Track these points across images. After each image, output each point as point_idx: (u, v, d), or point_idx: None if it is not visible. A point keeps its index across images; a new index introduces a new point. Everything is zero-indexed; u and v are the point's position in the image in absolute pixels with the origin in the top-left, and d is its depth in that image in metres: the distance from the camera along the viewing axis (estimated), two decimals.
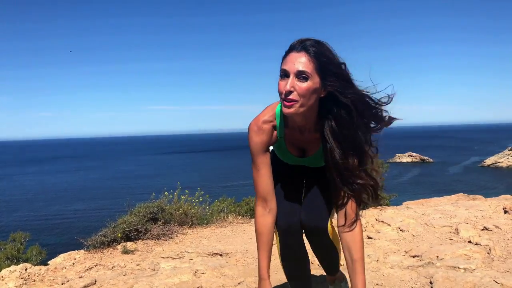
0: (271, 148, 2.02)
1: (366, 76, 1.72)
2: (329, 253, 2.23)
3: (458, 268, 3.08)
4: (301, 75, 1.64)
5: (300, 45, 1.67)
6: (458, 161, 63.45)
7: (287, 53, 1.70)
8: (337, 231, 2.02)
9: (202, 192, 6.53)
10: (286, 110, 1.70)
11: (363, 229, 4.75)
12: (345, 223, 1.89)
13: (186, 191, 6.27)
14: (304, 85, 1.65)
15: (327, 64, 1.66)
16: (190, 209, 5.93)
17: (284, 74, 1.68)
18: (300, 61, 1.64)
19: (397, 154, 64.13)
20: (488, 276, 2.80)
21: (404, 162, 61.12)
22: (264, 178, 1.93)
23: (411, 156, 64.17)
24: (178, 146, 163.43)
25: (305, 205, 2.06)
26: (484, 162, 56.84)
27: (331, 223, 2.10)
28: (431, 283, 2.87)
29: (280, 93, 1.70)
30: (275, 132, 1.94)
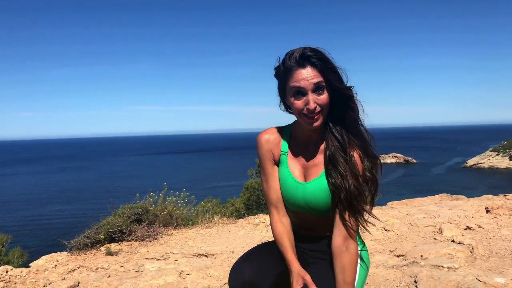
0: None
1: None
2: None
3: (442, 267, 3.11)
4: (318, 90, 1.68)
5: (302, 59, 1.67)
6: (441, 162, 64.41)
7: (290, 71, 1.69)
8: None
9: (187, 193, 6.49)
10: (315, 124, 1.72)
11: None
12: (343, 242, 1.79)
13: (173, 192, 6.23)
14: (324, 96, 1.69)
15: (330, 71, 1.68)
16: (175, 210, 5.88)
17: (299, 92, 1.69)
18: (312, 76, 1.66)
19: (381, 155, 64.60)
20: (471, 274, 2.84)
21: (388, 163, 61.76)
22: (273, 188, 1.94)
23: (395, 157, 64.91)
24: (163, 147, 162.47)
25: None
26: (467, 163, 57.80)
27: None
28: (415, 282, 2.90)
29: (301, 111, 1.71)
30: (280, 146, 1.94)
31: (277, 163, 1.96)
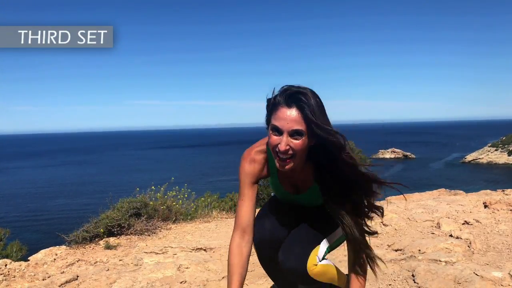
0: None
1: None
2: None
3: (440, 261, 3.12)
4: (296, 134, 1.65)
5: (289, 100, 1.64)
6: (440, 157, 64.46)
7: (278, 105, 1.67)
8: (328, 265, 1.98)
9: (189, 190, 6.50)
10: (282, 168, 1.72)
11: None
12: (352, 269, 1.92)
13: (173, 186, 6.23)
14: (299, 142, 1.66)
15: (316, 116, 1.63)
16: (174, 204, 5.89)
17: (277, 130, 1.67)
18: (293, 119, 1.63)
19: (380, 150, 64.84)
20: (468, 268, 2.85)
21: (387, 158, 61.84)
22: (247, 210, 1.88)
23: (394, 152, 64.97)
24: (163, 142, 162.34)
25: (286, 242, 1.98)
26: (465, 158, 57.88)
27: (318, 259, 1.92)
28: (413, 276, 2.91)
29: (273, 148, 1.70)
30: (267, 167, 1.93)
31: (264, 177, 1.96)
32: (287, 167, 1.71)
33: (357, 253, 1.86)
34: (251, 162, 1.89)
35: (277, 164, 1.73)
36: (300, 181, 1.93)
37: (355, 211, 1.81)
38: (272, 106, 1.69)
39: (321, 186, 1.83)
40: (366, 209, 1.84)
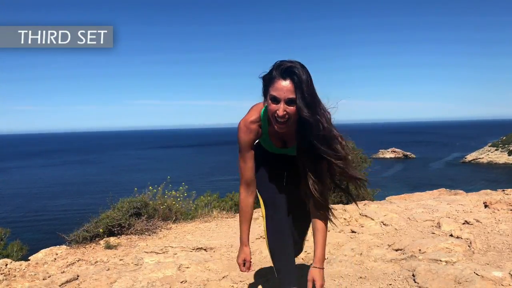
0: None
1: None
2: (303, 227, 2.58)
3: (440, 261, 3.12)
4: (290, 102, 2.00)
5: (284, 74, 2.00)
6: (440, 156, 64.47)
7: (274, 78, 2.02)
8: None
9: (186, 186, 6.49)
10: (281, 130, 2.10)
11: (347, 223, 4.79)
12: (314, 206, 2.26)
13: (172, 186, 6.23)
14: (293, 108, 2.01)
15: (306, 87, 1.99)
16: (174, 204, 5.89)
17: (275, 99, 2.02)
18: (288, 89, 1.99)
19: (380, 150, 64.85)
20: (468, 268, 2.85)
21: (387, 158, 61.84)
22: (249, 168, 2.36)
23: (394, 151, 64.96)
24: (162, 141, 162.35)
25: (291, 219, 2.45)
26: (466, 158, 57.87)
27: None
28: (413, 275, 2.91)
29: (272, 114, 2.06)
30: (260, 130, 2.32)
31: (258, 138, 2.37)
32: (284, 129, 2.09)
33: (318, 209, 2.24)
34: (247, 132, 2.29)
35: (276, 127, 2.09)
36: (287, 138, 2.32)
37: (321, 173, 2.19)
38: (270, 79, 2.05)
39: (298, 145, 2.19)
40: (342, 177, 2.29)
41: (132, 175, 48.76)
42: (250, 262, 2.47)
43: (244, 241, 2.46)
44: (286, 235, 2.39)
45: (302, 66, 2.02)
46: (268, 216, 2.42)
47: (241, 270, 2.46)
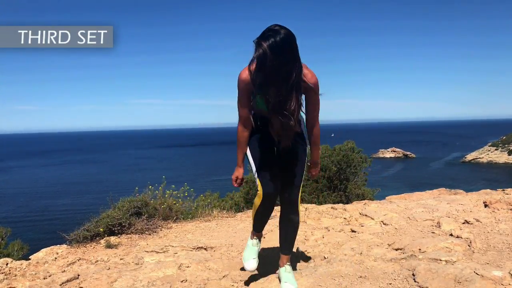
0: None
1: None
2: (291, 227, 3.01)
3: (440, 260, 3.13)
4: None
5: (261, 37, 2.37)
6: (440, 156, 64.45)
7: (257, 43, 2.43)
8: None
9: (188, 187, 6.50)
10: None
11: (347, 223, 4.80)
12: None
13: (173, 185, 6.24)
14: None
15: (274, 48, 2.35)
16: (174, 203, 5.89)
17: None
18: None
19: (380, 150, 64.83)
20: (468, 268, 2.85)
21: (387, 158, 61.82)
22: (246, 109, 2.76)
23: (394, 151, 64.94)
24: (163, 141, 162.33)
25: (283, 181, 2.85)
26: (466, 158, 57.85)
27: (300, 203, 2.95)
28: (413, 275, 2.91)
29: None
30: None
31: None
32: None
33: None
34: (245, 81, 2.62)
35: None
36: None
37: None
38: (255, 44, 2.42)
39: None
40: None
41: (133, 175, 48.79)
42: (242, 179, 2.90)
43: (238, 163, 2.90)
44: (268, 216, 2.98)
45: (282, 31, 2.37)
46: (262, 205, 2.83)
47: (233, 185, 2.93)
